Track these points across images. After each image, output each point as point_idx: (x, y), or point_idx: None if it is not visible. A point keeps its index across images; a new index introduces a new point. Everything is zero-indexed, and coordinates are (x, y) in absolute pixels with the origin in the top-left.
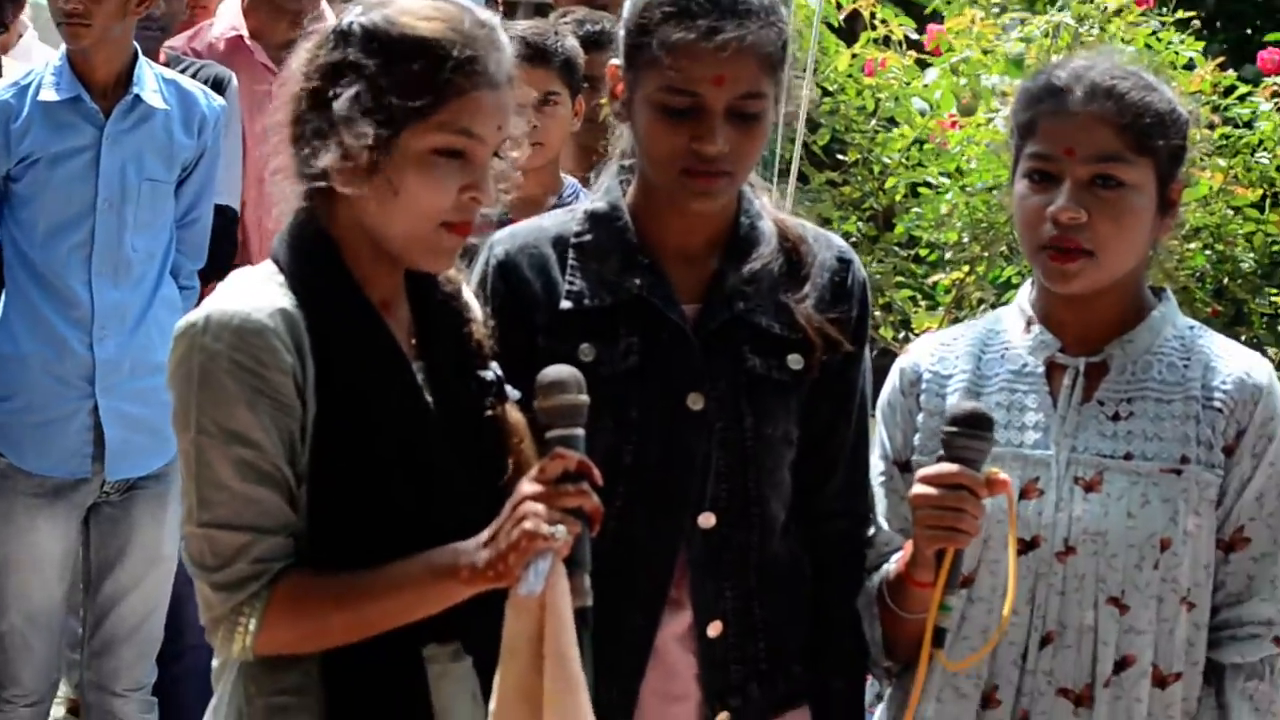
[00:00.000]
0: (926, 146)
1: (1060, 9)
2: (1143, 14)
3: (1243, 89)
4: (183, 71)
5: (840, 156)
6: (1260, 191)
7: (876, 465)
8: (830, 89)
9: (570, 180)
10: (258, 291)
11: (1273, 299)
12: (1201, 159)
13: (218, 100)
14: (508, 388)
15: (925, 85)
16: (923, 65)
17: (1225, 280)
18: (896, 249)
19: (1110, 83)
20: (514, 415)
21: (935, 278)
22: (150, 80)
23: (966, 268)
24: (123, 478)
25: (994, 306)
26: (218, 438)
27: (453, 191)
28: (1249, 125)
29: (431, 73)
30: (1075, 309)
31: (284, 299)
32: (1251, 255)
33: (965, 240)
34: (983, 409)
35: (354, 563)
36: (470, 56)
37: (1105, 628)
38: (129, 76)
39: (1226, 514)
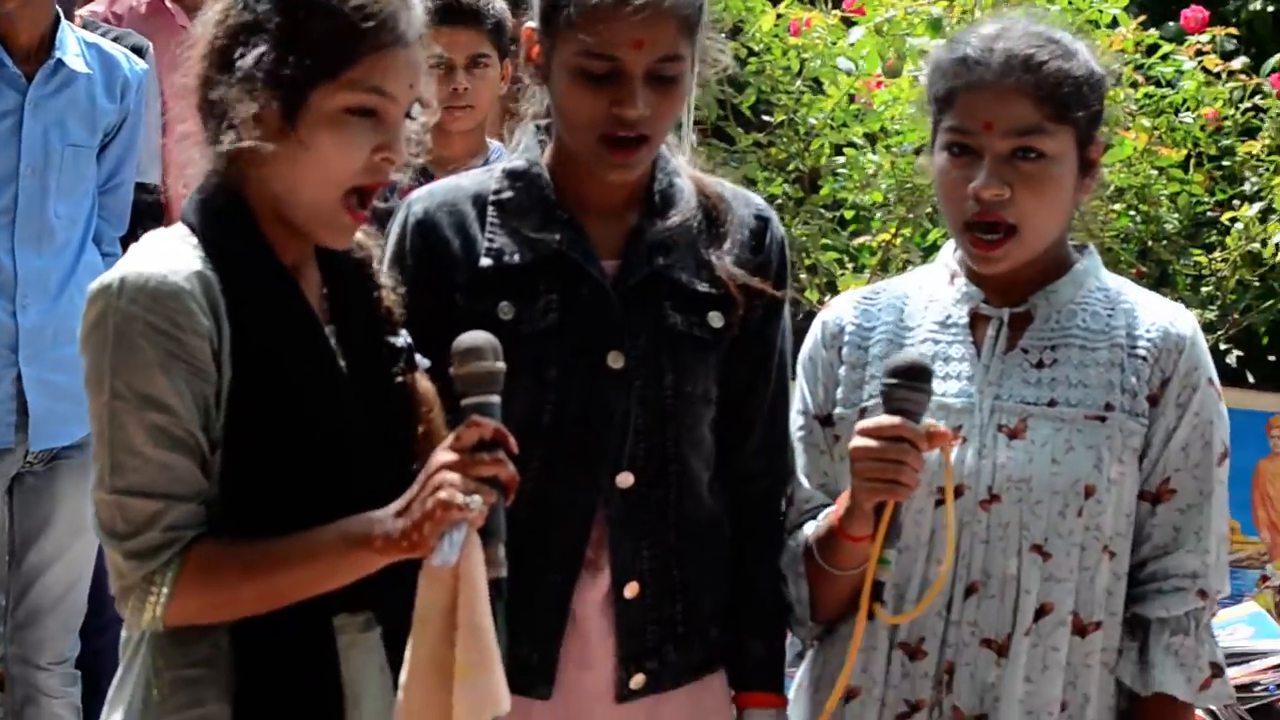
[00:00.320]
0: (852, 107)
1: None
2: None
3: (1166, 47)
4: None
5: (766, 118)
6: (1184, 152)
7: (796, 420)
8: (755, 49)
9: (495, 144)
10: (173, 254)
11: (1197, 260)
12: (1126, 118)
13: (140, 64)
14: (417, 357)
15: (850, 45)
16: (848, 23)
17: (1149, 241)
18: (822, 211)
19: (1027, 52)
20: (423, 384)
21: (861, 239)
22: (72, 44)
23: (893, 229)
24: (47, 447)
25: None
26: (132, 402)
27: (365, 151)
28: (1171, 85)
29: (342, 30)
30: None
31: (198, 262)
32: (1176, 216)
33: (891, 202)
34: (922, 360)
35: (267, 531)
36: (381, 13)
37: (1028, 575)
38: (51, 40)
39: (1152, 465)
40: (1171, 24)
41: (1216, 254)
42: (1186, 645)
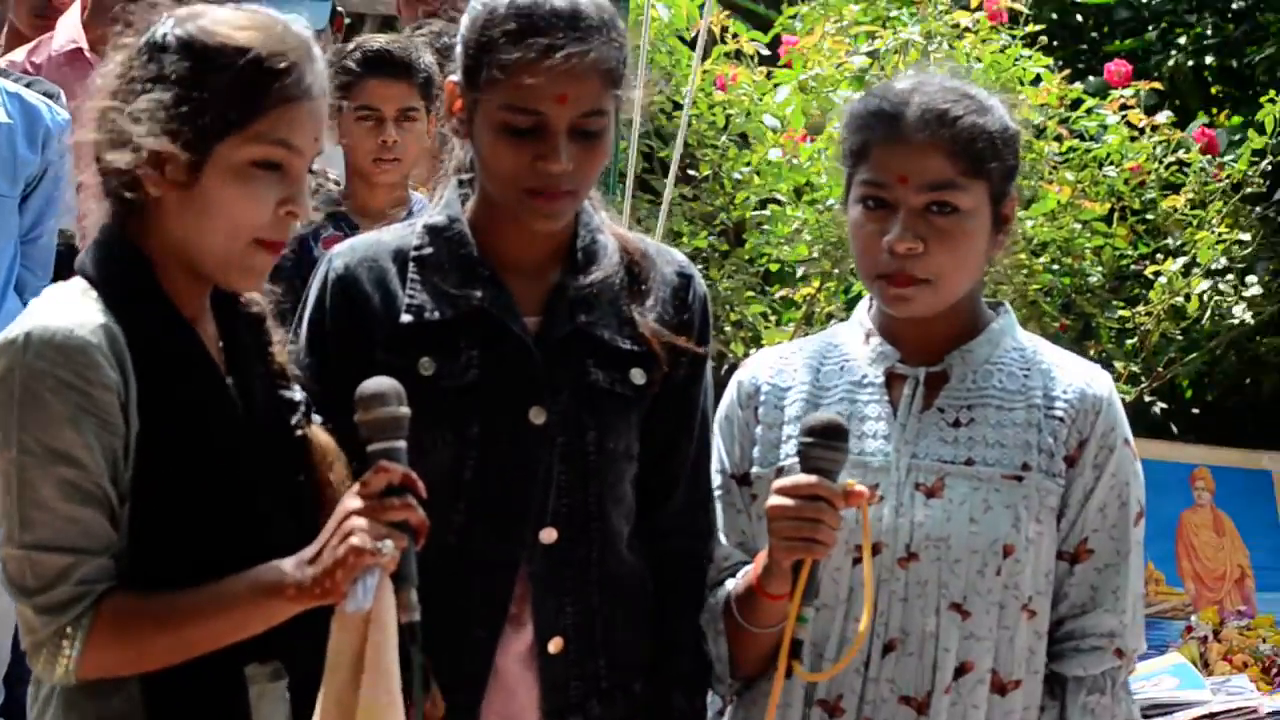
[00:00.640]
0: (776, 160)
1: (915, 22)
2: (993, 28)
3: (1090, 101)
4: None
5: (691, 172)
6: (1108, 205)
7: (714, 479)
8: (681, 102)
9: (418, 195)
10: (76, 308)
11: (1120, 313)
12: (1050, 172)
13: (61, 114)
14: (313, 411)
15: (777, 102)
16: (771, 74)
17: (1073, 295)
18: (747, 264)
19: (942, 107)
20: (321, 436)
21: (784, 292)
22: None
23: (817, 283)
24: None
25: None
26: (40, 457)
27: (270, 204)
28: (1095, 139)
29: (249, 82)
30: (913, 324)
31: (102, 315)
32: (1099, 269)
33: (815, 256)
34: (839, 420)
35: (177, 582)
36: (288, 67)
37: (946, 634)
38: None
39: (1070, 525)
40: (1094, 78)
41: (1140, 307)
42: (1103, 704)
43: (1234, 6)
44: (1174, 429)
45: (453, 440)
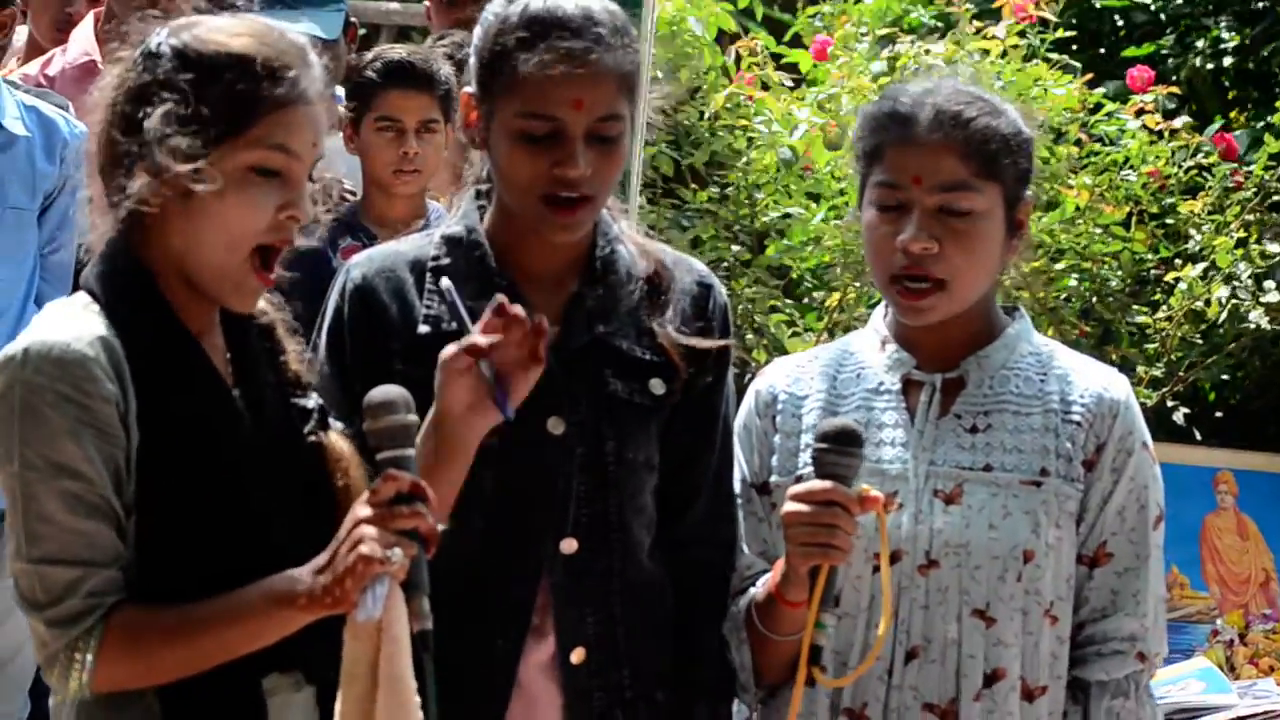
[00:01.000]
0: (794, 168)
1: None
2: (1019, 32)
3: (1110, 105)
4: None
5: (717, 178)
6: (1127, 210)
7: (735, 488)
8: (706, 113)
9: (435, 205)
10: (75, 321)
11: (1140, 318)
12: (1068, 176)
13: (79, 126)
14: (330, 418)
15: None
16: (796, 84)
17: (1093, 300)
18: (769, 273)
19: (955, 109)
20: (338, 443)
21: (806, 300)
22: (11, 107)
23: (838, 294)
24: None
25: None
26: (43, 471)
27: (270, 210)
28: (1114, 143)
29: (245, 88)
30: (928, 330)
31: (102, 328)
32: (1119, 274)
33: (838, 264)
34: (853, 425)
35: (185, 594)
36: (284, 72)
37: (970, 640)
38: None
39: (1089, 529)
40: (1111, 82)
41: (1160, 312)
42: (1127, 708)
43: (1252, 8)
44: (1196, 433)
45: None
